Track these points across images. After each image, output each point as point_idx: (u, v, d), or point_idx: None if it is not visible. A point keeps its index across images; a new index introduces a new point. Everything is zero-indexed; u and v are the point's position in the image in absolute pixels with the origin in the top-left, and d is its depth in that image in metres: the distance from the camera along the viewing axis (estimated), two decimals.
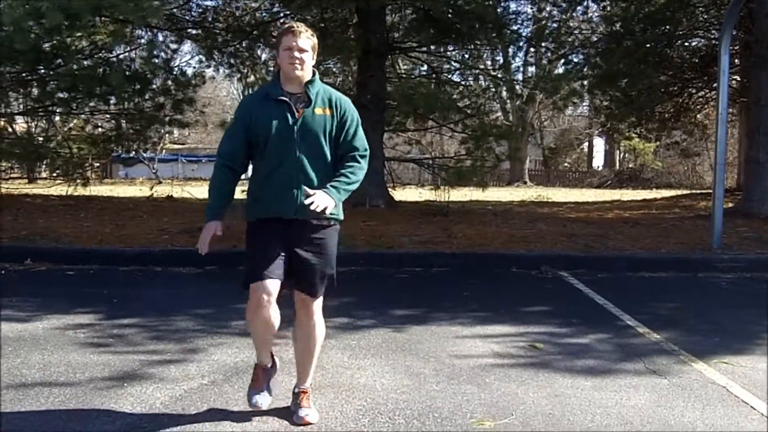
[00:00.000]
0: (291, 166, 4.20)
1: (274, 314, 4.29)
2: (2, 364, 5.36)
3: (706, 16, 18.73)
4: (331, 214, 4.23)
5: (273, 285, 4.23)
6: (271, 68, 18.31)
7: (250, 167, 4.47)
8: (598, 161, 53.40)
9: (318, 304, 4.44)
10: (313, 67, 4.34)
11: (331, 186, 4.20)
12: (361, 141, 4.39)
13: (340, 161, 4.34)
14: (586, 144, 53.16)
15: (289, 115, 4.22)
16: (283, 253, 4.26)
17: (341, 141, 4.33)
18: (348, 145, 4.34)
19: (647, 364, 5.68)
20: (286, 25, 4.35)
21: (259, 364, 4.54)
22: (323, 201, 4.07)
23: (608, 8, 18.47)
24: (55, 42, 13.93)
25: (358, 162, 4.35)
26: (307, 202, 4.03)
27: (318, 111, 4.26)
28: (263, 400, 4.41)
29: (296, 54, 4.21)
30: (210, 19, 17.69)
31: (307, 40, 4.25)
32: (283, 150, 4.20)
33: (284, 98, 4.24)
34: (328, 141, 4.28)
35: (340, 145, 4.33)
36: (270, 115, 4.22)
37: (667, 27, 17.38)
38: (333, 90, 4.44)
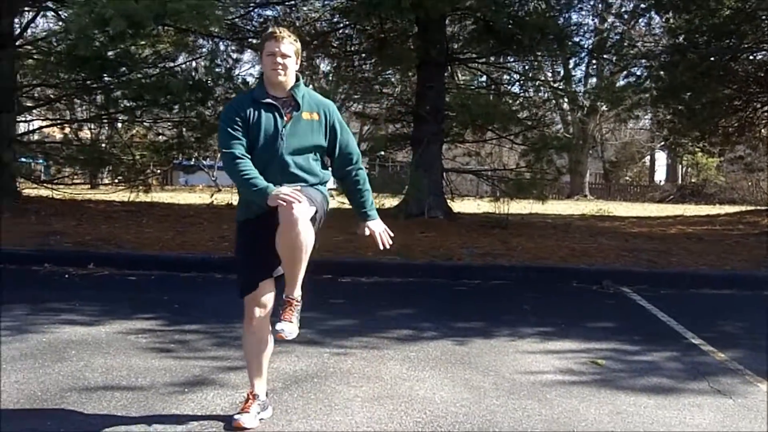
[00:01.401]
0: (277, 169, 4.21)
1: (266, 337, 4.38)
2: (66, 367, 5.43)
3: None
4: None
5: (266, 297, 4.33)
6: (332, 79, 18.39)
7: None
8: (660, 175, 52.80)
9: (301, 213, 4.01)
10: (297, 71, 4.36)
11: (370, 209, 4.46)
12: (354, 144, 4.46)
13: (341, 170, 4.41)
14: (648, 158, 52.54)
15: (278, 118, 4.25)
16: (268, 253, 4.19)
17: (338, 148, 4.36)
18: (347, 153, 4.39)
19: (711, 383, 5.54)
20: (269, 30, 4.37)
21: (251, 391, 4.47)
22: (384, 230, 4.29)
23: (672, 20, 18.20)
24: (119, 50, 14.17)
25: (361, 167, 4.48)
26: (380, 246, 4.21)
27: (305, 116, 4.29)
28: (247, 419, 4.31)
29: (279, 60, 4.23)
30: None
31: (290, 45, 4.27)
32: (270, 152, 4.22)
33: (272, 102, 4.26)
34: (316, 146, 4.31)
35: (338, 152, 4.36)
36: (260, 116, 4.25)
37: (732, 40, 17.03)
38: (317, 94, 4.47)
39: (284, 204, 3.92)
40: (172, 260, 9.88)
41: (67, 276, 9.14)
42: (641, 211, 24.98)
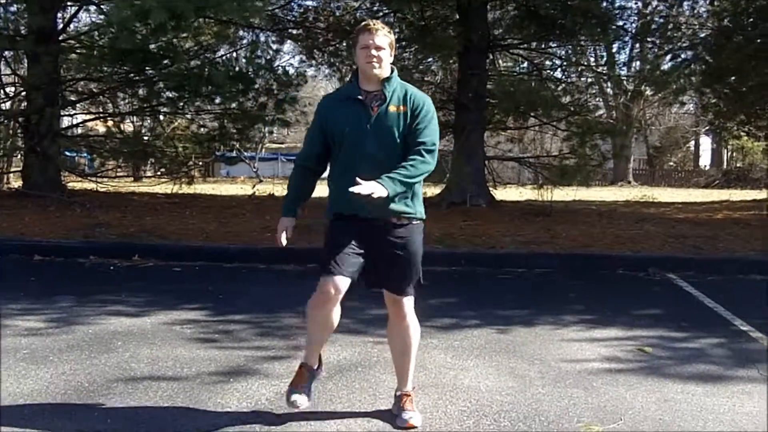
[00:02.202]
0: (365, 165, 4.10)
1: (336, 314, 4.29)
2: (112, 358, 5.47)
3: None
4: (408, 213, 4.20)
5: (342, 282, 4.17)
6: None
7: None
8: (704, 160, 51.99)
9: (409, 305, 4.38)
10: (391, 64, 4.28)
11: (386, 176, 4.01)
12: (430, 135, 4.23)
13: (408, 152, 4.22)
14: (693, 143, 51.86)
15: (363, 115, 4.16)
16: (359, 251, 4.21)
17: (410, 134, 4.21)
18: (415, 138, 4.20)
19: (761, 371, 5.46)
20: (363, 23, 4.28)
21: (305, 363, 4.43)
22: (370, 188, 3.90)
23: (717, 3, 17.92)
24: (161, 42, 14.24)
25: (422, 156, 4.16)
26: (354, 189, 3.87)
27: (392, 109, 4.18)
28: (302, 400, 4.28)
29: (373, 52, 4.14)
30: (311, 19, 17.80)
31: (384, 37, 4.18)
32: (358, 149, 4.15)
33: (359, 97, 4.19)
34: (402, 138, 4.19)
35: (409, 139, 4.21)
36: (345, 115, 4.19)
37: None
38: (410, 86, 4.34)
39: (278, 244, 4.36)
40: (215, 251, 9.93)
41: (112, 268, 9.22)
42: (686, 196, 24.66)
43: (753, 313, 7.20)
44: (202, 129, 18.82)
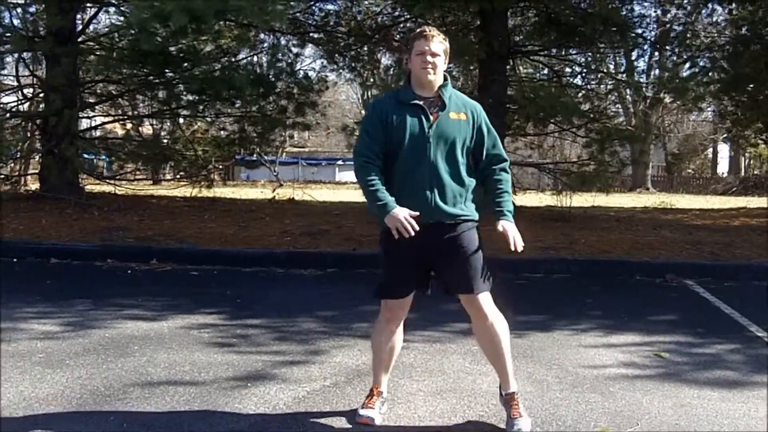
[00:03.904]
0: (425, 171, 4.12)
1: (398, 337, 4.37)
2: (129, 362, 5.48)
3: None
4: (464, 216, 4.22)
5: (403, 306, 4.28)
6: (391, 72, 18.34)
7: None
8: (722, 168, 51.86)
9: (487, 302, 4.31)
10: (444, 72, 4.27)
11: (508, 212, 4.27)
12: (503, 149, 4.34)
13: (485, 170, 4.28)
14: (711, 150, 51.71)
15: (423, 119, 4.15)
16: (416, 266, 4.24)
17: (485, 149, 4.25)
18: (493, 155, 4.28)
19: None
20: (419, 30, 4.29)
21: (376, 385, 4.50)
22: (517, 234, 4.17)
23: (735, 11, 17.89)
24: (182, 45, 14.27)
25: (507, 172, 4.33)
26: (512, 247, 4.08)
27: (453, 115, 4.18)
28: (371, 414, 4.33)
29: (429, 58, 4.15)
30: (332, 23, 17.83)
31: (439, 44, 4.20)
32: (417, 154, 4.13)
33: (418, 102, 4.18)
34: (463, 146, 4.20)
35: (485, 153, 4.25)
36: (404, 119, 4.16)
37: None
38: (464, 95, 4.37)
39: (396, 235, 4.01)
40: (234, 255, 9.93)
41: (129, 271, 9.24)
42: (704, 203, 24.56)
43: None
44: (222, 132, 18.86)
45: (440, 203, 4.12)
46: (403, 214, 4.00)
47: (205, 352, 5.78)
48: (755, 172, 44.10)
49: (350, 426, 4.33)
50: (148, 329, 6.43)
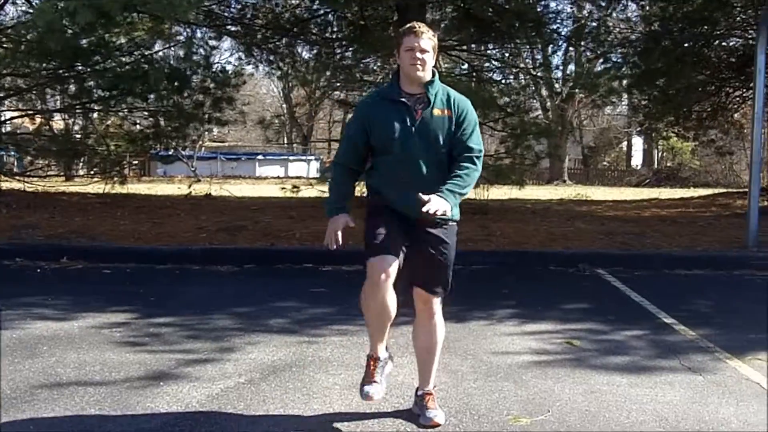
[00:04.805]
0: (410, 168, 4.12)
1: (391, 298, 4.13)
2: (37, 363, 5.33)
3: (743, 16, 18.43)
4: (447, 216, 4.13)
5: (392, 263, 4.07)
6: (311, 65, 18.25)
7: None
8: (636, 160, 53.10)
9: (438, 305, 4.40)
10: (433, 67, 4.24)
11: (447, 189, 4.05)
12: (478, 142, 4.27)
13: (455, 161, 4.22)
14: (625, 143, 52.83)
15: (408, 117, 4.13)
16: (403, 240, 4.17)
17: (456, 140, 4.20)
18: (463, 144, 4.20)
19: (683, 361, 5.64)
20: (408, 25, 4.24)
21: (372, 354, 4.33)
22: (439, 205, 3.93)
23: (647, 8, 18.30)
24: (92, 39, 13.94)
25: (474, 164, 4.21)
26: (423, 209, 3.89)
27: (437, 112, 4.16)
28: (375, 390, 4.19)
29: (418, 54, 4.11)
30: (249, 16, 17.62)
31: (428, 40, 4.15)
32: (402, 152, 4.12)
33: (403, 99, 4.16)
34: (447, 142, 4.18)
35: (455, 144, 4.20)
36: (389, 116, 4.14)
37: (705, 27, 17.18)
38: (451, 90, 4.32)
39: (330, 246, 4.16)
40: (148, 252, 9.77)
41: (39, 270, 9.01)
42: (618, 195, 25.13)
43: (677, 307, 7.43)
44: (136, 127, 18.52)
45: (423, 209, 3.99)
46: (334, 227, 4.15)
47: (116, 351, 5.66)
48: (668, 164, 45.18)
49: (264, 421, 4.27)
50: (57, 329, 6.27)
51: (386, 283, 4.06)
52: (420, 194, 3.92)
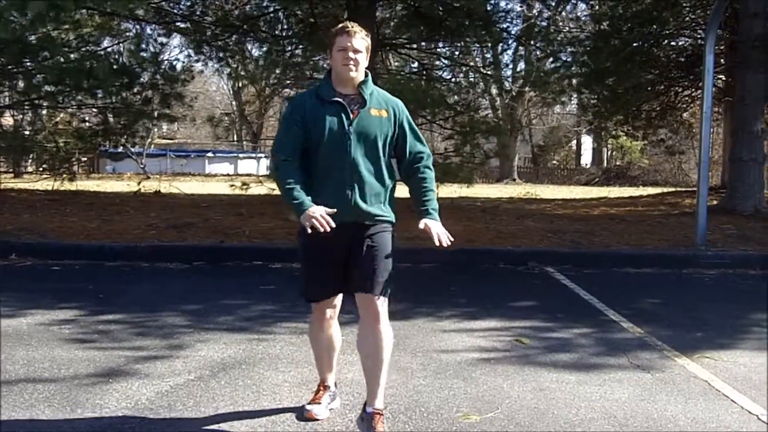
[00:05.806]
0: (345, 169, 4.04)
1: (336, 334, 4.36)
2: None
3: (692, 16, 18.77)
4: (382, 216, 4.15)
5: (332, 303, 4.27)
6: (262, 63, 18.21)
7: None
8: (586, 159, 53.41)
9: (383, 306, 4.10)
10: (366, 68, 4.22)
11: (431, 208, 4.20)
12: (424, 143, 4.31)
13: (409, 168, 4.23)
14: (575, 142, 53.24)
15: (344, 117, 4.06)
16: (335, 267, 4.15)
17: (407, 146, 4.21)
18: (416, 152, 4.23)
19: (631, 359, 5.71)
20: (341, 25, 4.20)
21: (322, 381, 4.52)
22: (441, 230, 4.07)
23: (596, 7, 18.52)
24: (40, 34, 13.81)
25: (431, 169, 4.27)
26: (436, 242, 3.99)
27: (374, 112, 4.12)
28: (317, 410, 4.35)
29: (351, 55, 4.07)
30: (199, 13, 17.54)
31: (361, 40, 4.13)
32: (338, 152, 4.04)
33: (338, 99, 4.10)
34: (384, 143, 4.14)
35: (408, 151, 4.21)
36: (324, 116, 4.06)
37: (654, 26, 17.42)
38: (385, 92, 4.33)
39: (311, 231, 3.87)
40: (97, 249, 9.71)
41: None
42: (567, 193, 25.31)
43: (625, 305, 7.53)
44: (85, 123, 18.34)
45: (360, 202, 4.04)
46: (319, 211, 3.90)
47: (65, 348, 5.65)
48: (617, 163, 45.60)
49: (213, 418, 4.31)
50: (6, 326, 6.23)
51: (330, 321, 4.33)
52: (426, 221, 4.12)
